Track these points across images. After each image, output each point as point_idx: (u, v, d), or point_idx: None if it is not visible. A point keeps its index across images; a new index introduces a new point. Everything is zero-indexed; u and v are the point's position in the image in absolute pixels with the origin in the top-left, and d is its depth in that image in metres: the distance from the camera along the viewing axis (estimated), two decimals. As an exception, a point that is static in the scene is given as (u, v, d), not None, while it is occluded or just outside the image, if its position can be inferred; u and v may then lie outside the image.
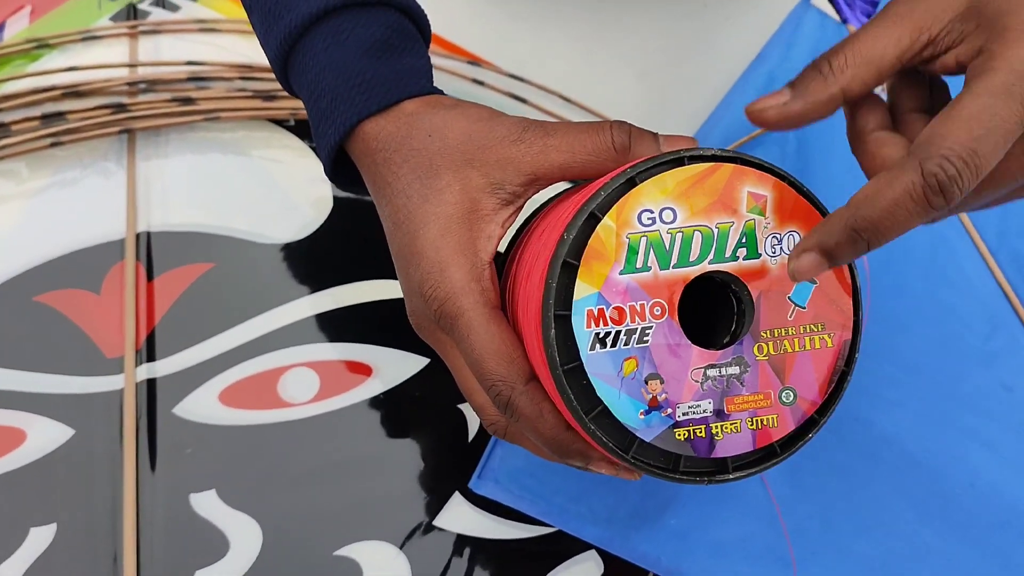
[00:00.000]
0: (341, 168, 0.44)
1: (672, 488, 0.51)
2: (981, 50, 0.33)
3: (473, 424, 0.54)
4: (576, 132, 0.38)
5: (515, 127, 0.39)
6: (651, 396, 0.33)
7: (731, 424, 0.34)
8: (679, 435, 0.34)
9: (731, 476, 0.34)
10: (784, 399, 0.35)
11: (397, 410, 0.54)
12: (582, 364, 0.33)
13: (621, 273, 0.33)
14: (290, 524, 0.50)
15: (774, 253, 0.34)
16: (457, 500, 0.51)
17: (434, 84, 0.43)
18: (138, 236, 0.59)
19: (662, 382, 0.33)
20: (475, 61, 0.69)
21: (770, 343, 0.35)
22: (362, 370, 0.55)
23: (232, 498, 0.51)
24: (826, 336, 0.35)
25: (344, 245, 0.60)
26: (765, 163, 0.35)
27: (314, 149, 0.59)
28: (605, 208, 0.34)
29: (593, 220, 0.34)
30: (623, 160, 0.38)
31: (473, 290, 0.37)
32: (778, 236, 0.34)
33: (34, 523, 0.49)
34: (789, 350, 0.35)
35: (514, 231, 0.43)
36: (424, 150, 0.39)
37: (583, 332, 0.33)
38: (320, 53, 0.41)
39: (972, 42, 0.34)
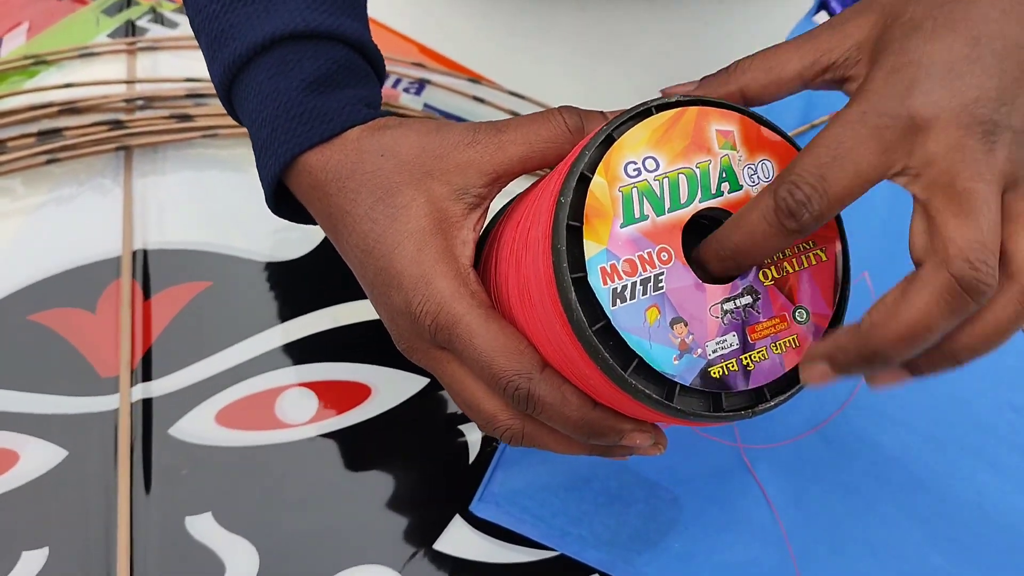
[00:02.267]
0: (284, 199, 0.43)
1: (675, 510, 0.50)
2: (863, 78, 0.34)
3: (474, 446, 0.53)
4: (528, 123, 0.39)
5: (466, 131, 0.39)
6: (679, 340, 0.34)
7: (758, 353, 0.35)
8: (714, 373, 0.34)
9: (771, 403, 0.35)
10: (798, 318, 0.36)
11: (396, 431, 0.53)
12: (609, 322, 0.33)
13: (622, 226, 0.34)
14: (287, 548, 0.49)
15: (753, 183, 0.36)
16: (458, 523, 0.50)
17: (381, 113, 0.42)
18: (134, 254, 0.58)
19: (686, 324, 0.34)
20: (475, 78, 0.68)
21: (772, 267, 0.36)
22: (361, 390, 0.54)
23: (228, 521, 0.50)
24: (819, 252, 0.37)
25: (343, 263, 0.59)
26: (723, 101, 0.37)
27: None
28: (592, 166, 0.34)
29: (584, 180, 0.34)
30: (579, 141, 0.38)
31: (463, 295, 0.37)
32: (752, 166, 0.36)
33: (26, 547, 0.48)
34: (791, 270, 0.36)
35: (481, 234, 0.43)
36: (378, 171, 0.39)
37: (602, 290, 0.33)
38: (264, 83, 0.40)
39: (859, 72, 0.35)
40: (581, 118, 0.39)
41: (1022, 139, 0.32)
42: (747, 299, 0.35)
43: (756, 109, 0.38)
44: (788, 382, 0.36)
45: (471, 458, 0.53)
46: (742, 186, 0.36)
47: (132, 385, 0.53)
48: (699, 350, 0.34)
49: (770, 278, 0.36)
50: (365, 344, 0.56)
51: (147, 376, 0.54)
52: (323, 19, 0.40)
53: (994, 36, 0.32)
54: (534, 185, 0.40)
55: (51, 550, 0.48)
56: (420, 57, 0.69)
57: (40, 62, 0.66)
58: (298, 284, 0.58)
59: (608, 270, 0.34)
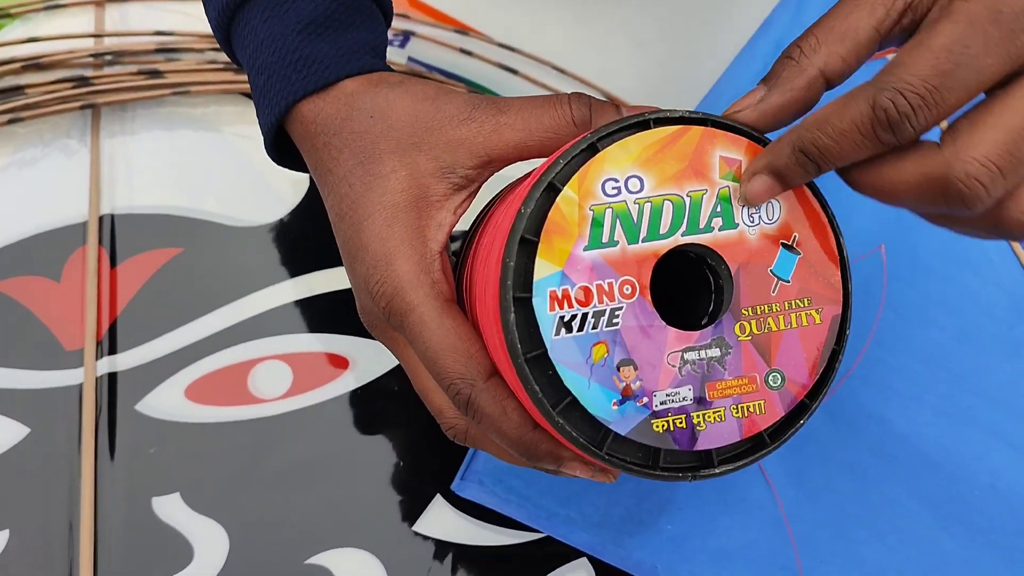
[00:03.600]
0: (283, 147, 0.41)
1: (669, 491, 0.48)
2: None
3: (456, 421, 0.50)
4: (531, 108, 0.35)
5: (464, 105, 0.36)
6: (624, 384, 0.30)
7: (714, 412, 0.31)
8: (657, 427, 0.31)
9: (716, 471, 0.32)
10: (771, 383, 0.32)
11: (375, 406, 0.50)
12: (547, 351, 0.30)
13: (585, 249, 0.30)
14: (259, 530, 0.47)
15: (752, 222, 0.32)
16: (439, 503, 0.48)
17: (386, 62, 0.39)
18: (101, 219, 0.55)
19: (636, 368, 0.31)
20: (463, 30, 0.65)
21: (752, 321, 0.32)
22: (338, 362, 0.51)
23: (197, 502, 0.47)
24: (813, 312, 0.32)
25: (321, 228, 0.55)
26: (737, 124, 0.32)
27: None
28: (565, 178, 0.31)
29: (552, 191, 0.31)
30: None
31: (423, 283, 0.34)
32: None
33: (-15, 530, 0.46)
34: (774, 328, 0.32)
35: (474, 219, 0.40)
36: (366, 133, 0.36)
37: (546, 316, 0.30)
38: (259, 26, 0.38)
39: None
40: (591, 110, 0.35)
41: None
42: (715, 351, 0.31)
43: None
44: (742, 452, 0.32)
45: (454, 435, 0.50)
46: (737, 224, 0.31)
47: (98, 358, 0.51)
48: (644, 399, 0.31)
49: (748, 332, 0.32)
50: (344, 313, 0.53)
51: (113, 349, 0.51)
52: None
53: None
54: (530, 173, 0.36)
55: (11, 533, 0.46)
56: (405, 7, 0.66)
57: (4, 15, 0.63)
58: (273, 250, 0.55)
59: (559, 295, 0.30)
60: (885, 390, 0.51)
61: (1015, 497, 0.48)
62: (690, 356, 0.31)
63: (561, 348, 0.30)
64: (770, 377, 0.32)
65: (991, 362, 0.51)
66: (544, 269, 0.30)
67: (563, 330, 0.30)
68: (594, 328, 0.30)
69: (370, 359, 0.51)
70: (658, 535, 0.47)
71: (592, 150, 0.31)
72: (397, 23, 0.64)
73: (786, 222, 0.32)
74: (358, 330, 0.52)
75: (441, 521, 0.48)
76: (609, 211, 0.31)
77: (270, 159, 0.41)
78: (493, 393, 0.34)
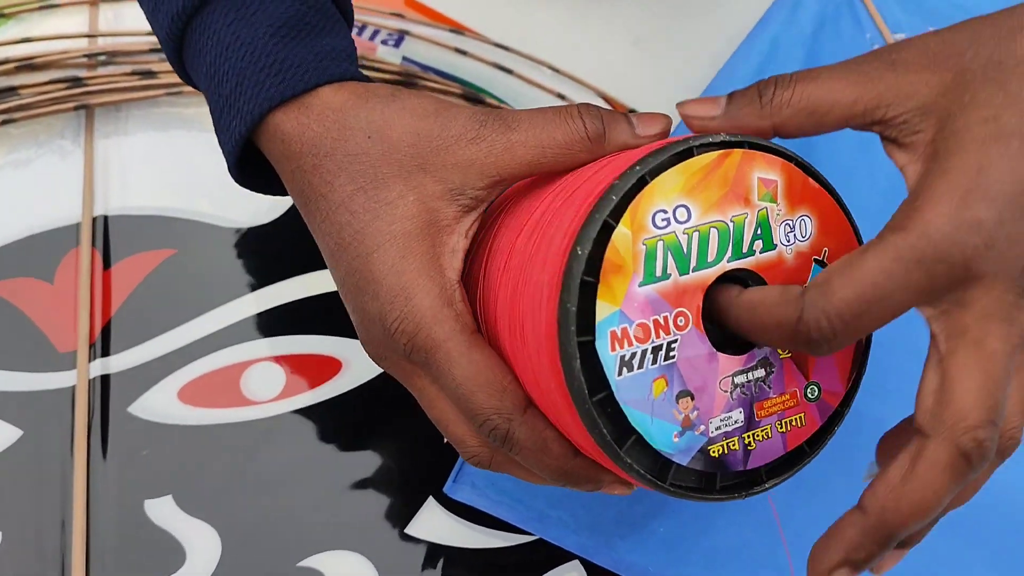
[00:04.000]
0: (249, 166, 0.38)
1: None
2: (915, 183, 0.29)
3: (449, 423, 0.50)
4: (542, 123, 0.34)
5: (471, 122, 0.34)
6: (684, 415, 0.31)
7: (761, 431, 0.32)
8: (713, 452, 0.31)
9: (767, 485, 0.33)
10: (809, 395, 0.33)
11: (368, 408, 0.50)
12: (612, 392, 0.30)
13: (641, 285, 0.30)
14: (251, 533, 0.47)
15: (788, 242, 0.32)
16: (431, 506, 0.48)
17: (360, 71, 0.38)
18: (95, 220, 0.55)
19: (693, 398, 0.31)
20: (458, 29, 0.64)
21: None
22: (331, 365, 0.51)
23: (190, 504, 0.47)
24: None
25: (315, 229, 0.56)
26: (773, 144, 0.32)
27: None
28: (619, 214, 0.30)
29: (607, 229, 0.30)
30: (598, 150, 0.34)
31: (447, 316, 0.33)
32: (791, 223, 0.32)
33: (-23, 532, 0.46)
34: None
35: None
36: (364, 155, 0.34)
37: (609, 357, 0.30)
38: (222, 30, 0.35)
39: (916, 154, 0.30)
40: (603, 122, 0.34)
41: None
42: (760, 372, 0.32)
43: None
44: (786, 464, 0.33)
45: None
46: (776, 245, 0.32)
47: (90, 360, 0.51)
48: (702, 427, 0.31)
49: (788, 350, 0.33)
50: (337, 315, 0.52)
51: (106, 351, 0.51)
52: None
53: None
54: (539, 185, 0.36)
55: (3, 535, 0.46)
56: (401, 6, 0.66)
57: (-2, 15, 0.63)
58: (266, 252, 0.55)
59: (619, 334, 0.30)
60: (882, 390, 0.51)
61: (1005, 496, 0.48)
62: (740, 379, 0.32)
63: (625, 387, 0.30)
64: (808, 390, 0.33)
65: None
66: (605, 310, 0.30)
67: (625, 369, 0.30)
68: (653, 364, 0.30)
69: (363, 361, 0.51)
70: (650, 537, 0.47)
71: (642, 182, 0.30)
72: (392, 23, 0.64)
73: (817, 238, 0.32)
74: (351, 332, 0.52)
75: (433, 523, 0.47)
76: (660, 244, 0.30)
77: (232, 178, 0.38)
78: (532, 425, 0.33)
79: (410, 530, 0.47)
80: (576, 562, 0.47)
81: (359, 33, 0.64)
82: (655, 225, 0.30)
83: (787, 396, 0.32)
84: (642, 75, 0.64)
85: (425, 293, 0.33)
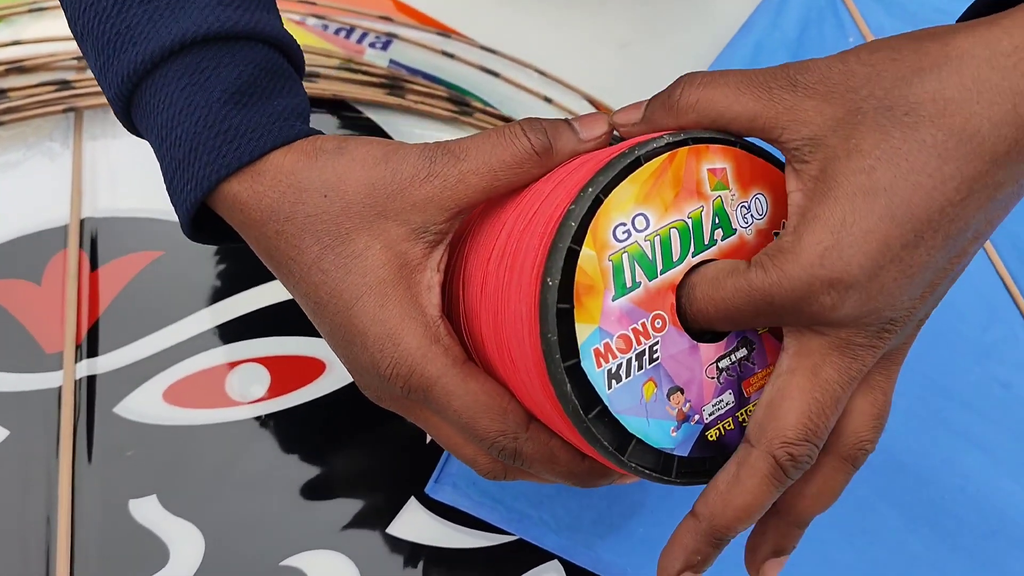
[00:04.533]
0: (203, 224, 0.38)
1: (640, 493, 0.48)
2: (798, 213, 0.30)
3: (431, 424, 0.51)
4: (489, 148, 0.34)
5: (421, 161, 0.34)
6: (677, 410, 0.32)
7: (753, 406, 0.33)
8: (711, 436, 0.33)
9: None
10: None
11: (351, 409, 0.51)
12: (606, 406, 0.31)
13: (614, 299, 0.31)
14: (235, 532, 0.47)
15: (747, 223, 0.33)
16: (413, 506, 0.48)
17: (310, 124, 0.38)
18: (82, 222, 0.56)
19: (683, 392, 0.32)
20: (445, 32, 0.65)
21: None
22: (315, 366, 0.52)
23: (174, 504, 0.48)
24: None
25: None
26: (716, 134, 0.33)
27: None
28: (580, 238, 0.31)
29: (572, 255, 0.31)
30: (548, 162, 0.35)
31: (436, 353, 0.34)
32: (746, 204, 0.33)
33: (-37, 531, 0.47)
34: None
35: None
36: (323, 214, 0.34)
37: (596, 374, 0.31)
38: (175, 94, 0.35)
39: (801, 184, 0.30)
40: (548, 134, 0.34)
41: (911, 325, 0.31)
42: (742, 351, 0.33)
43: None
44: None
45: (428, 438, 0.50)
46: (735, 230, 0.33)
47: (77, 361, 0.51)
48: (696, 416, 0.32)
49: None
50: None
51: (92, 351, 0.51)
52: (238, 16, 0.35)
53: (943, 224, 0.29)
54: (500, 204, 0.36)
55: (-11, 535, 0.47)
56: (390, 9, 0.66)
57: (-12, 18, 0.63)
58: (252, 255, 0.55)
59: (602, 350, 0.31)
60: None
61: (984, 500, 0.48)
62: (724, 363, 0.33)
63: (617, 398, 0.31)
64: None
65: (963, 365, 0.52)
66: (584, 331, 0.31)
67: (613, 381, 0.31)
68: (639, 369, 0.31)
69: (346, 362, 0.52)
70: (629, 538, 0.47)
71: (597, 202, 0.31)
72: (380, 26, 0.65)
73: (774, 212, 0.33)
74: (335, 333, 0.52)
75: (415, 523, 0.48)
76: (625, 256, 0.31)
77: (186, 236, 0.38)
78: (536, 440, 0.34)
79: (392, 530, 0.48)
80: (556, 562, 0.47)
81: (347, 35, 0.64)
82: (617, 239, 0.31)
83: (772, 367, 0.33)
84: (628, 78, 0.65)
85: (411, 335, 0.34)
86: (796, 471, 0.31)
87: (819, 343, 0.30)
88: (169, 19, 0.35)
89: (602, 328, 0.31)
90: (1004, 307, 0.54)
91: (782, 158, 0.32)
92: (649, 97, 0.35)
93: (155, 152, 0.37)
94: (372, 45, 0.64)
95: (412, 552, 0.47)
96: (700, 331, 0.33)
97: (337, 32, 0.64)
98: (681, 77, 0.33)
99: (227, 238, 0.39)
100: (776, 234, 0.33)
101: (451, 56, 0.64)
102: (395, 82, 0.62)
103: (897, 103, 0.29)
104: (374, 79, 0.62)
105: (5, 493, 0.47)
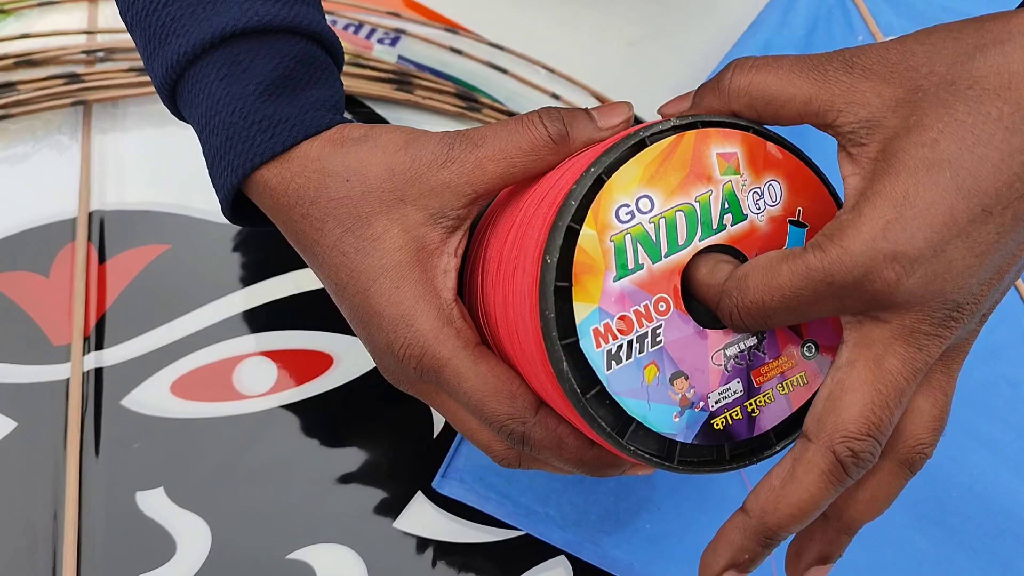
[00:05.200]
0: (242, 207, 0.40)
1: (647, 490, 0.48)
2: (856, 194, 0.29)
3: (439, 419, 0.50)
4: (507, 135, 0.35)
5: (440, 147, 0.35)
6: (680, 395, 0.31)
7: (763, 396, 0.33)
8: (717, 425, 0.32)
9: (777, 447, 0.33)
10: (807, 353, 0.33)
11: (358, 403, 0.51)
12: (604, 387, 0.31)
13: (615, 280, 0.31)
14: (241, 525, 0.47)
15: (759, 209, 0.32)
16: (419, 500, 0.48)
17: (344, 114, 0.39)
18: (91, 215, 0.56)
19: (687, 378, 0.32)
20: (453, 28, 0.65)
21: None
22: (322, 360, 0.52)
23: (181, 497, 0.48)
24: None
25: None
26: (726, 118, 0.32)
27: None
28: (580, 217, 0.31)
29: (572, 233, 0.31)
30: (564, 150, 0.35)
31: (449, 336, 0.34)
32: (759, 190, 0.32)
33: (-29, 522, 0.47)
34: None
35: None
36: (345, 198, 0.35)
37: (595, 354, 0.31)
38: (214, 84, 0.36)
39: (858, 168, 0.30)
40: (564, 123, 0.35)
41: (976, 316, 0.29)
42: (752, 340, 0.32)
43: None
44: (795, 423, 0.33)
45: (435, 432, 0.50)
46: (746, 215, 0.32)
47: (85, 353, 0.51)
48: (701, 403, 0.32)
49: None
50: (328, 311, 0.53)
51: (100, 344, 0.51)
52: (276, 11, 0.37)
53: (1012, 200, 0.27)
54: (520, 192, 0.37)
55: (-4, 526, 0.47)
56: (399, 6, 0.66)
57: (-2, 11, 0.63)
58: (260, 248, 0.55)
59: (601, 330, 0.31)
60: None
61: (991, 499, 0.48)
62: (732, 351, 0.32)
63: (616, 380, 0.31)
64: (805, 348, 0.33)
65: (970, 364, 0.51)
66: (583, 310, 0.30)
67: (613, 362, 0.31)
68: (640, 352, 0.31)
69: (353, 357, 0.52)
70: (635, 534, 0.47)
71: (599, 182, 0.31)
72: (389, 22, 0.65)
73: (789, 199, 0.33)
74: (342, 328, 0.52)
75: (422, 518, 0.48)
76: (628, 237, 0.31)
77: (226, 219, 0.40)
78: (545, 424, 0.34)
79: (399, 524, 0.48)
80: (563, 557, 0.47)
81: (356, 31, 0.64)
82: (619, 220, 0.31)
83: (783, 358, 0.33)
84: (636, 76, 0.65)
85: (424, 317, 0.34)
86: (857, 470, 0.29)
87: (881, 332, 0.29)
88: (210, 13, 0.36)
89: (602, 308, 0.31)
90: (1012, 307, 0.54)
91: (830, 147, 0.31)
92: (659, 93, 0.35)
93: (198, 138, 0.39)
94: (381, 41, 0.64)
95: (419, 546, 0.47)
96: (710, 317, 0.32)
97: (346, 28, 0.64)
98: (731, 62, 0.33)
99: (263, 221, 0.40)
100: (791, 221, 0.33)
101: (459, 52, 0.64)
102: (403, 78, 0.62)
103: (960, 77, 0.28)
104: (383, 75, 0.62)
105: (13, 485, 0.47)
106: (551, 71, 0.64)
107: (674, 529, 0.47)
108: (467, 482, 0.48)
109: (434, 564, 0.47)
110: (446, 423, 0.50)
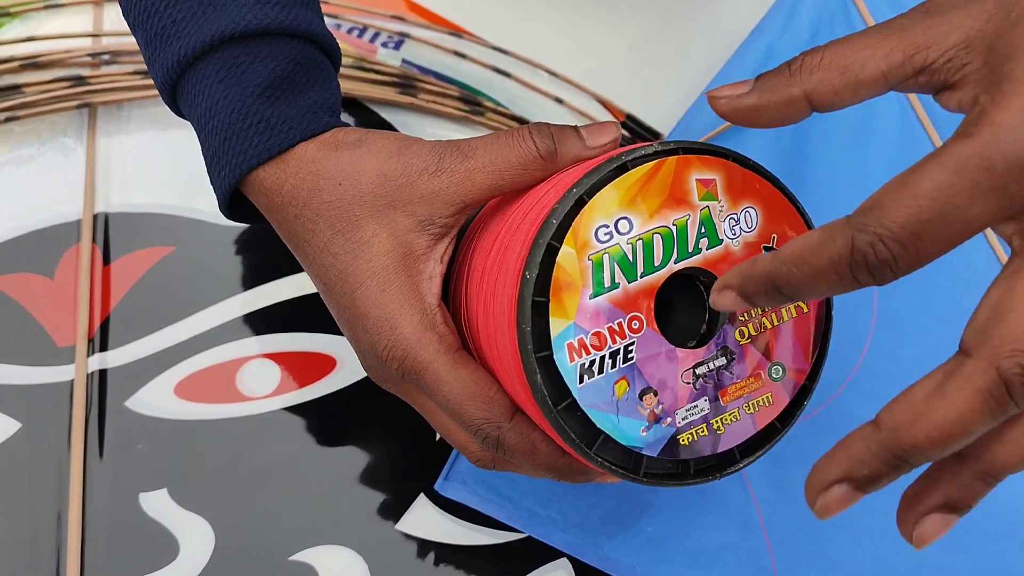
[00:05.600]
0: (237, 205, 0.41)
1: (649, 493, 0.48)
2: (975, 100, 0.27)
3: (440, 421, 0.51)
4: (497, 148, 0.36)
5: (431, 156, 0.36)
6: (648, 411, 0.32)
7: (729, 415, 0.34)
8: (683, 440, 0.33)
9: (741, 464, 0.34)
10: (774, 375, 0.34)
11: (361, 406, 0.51)
12: (575, 400, 0.32)
13: (591, 297, 0.32)
14: (244, 526, 0.47)
15: (735, 235, 0.34)
16: (422, 503, 0.48)
17: (340, 117, 0.40)
18: (95, 217, 0.56)
19: (656, 394, 0.33)
20: (457, 32, 0.65)
21: (750, 324, 0.34)
22: (325, 362, 0.52)
23: (184, 498, 0.48)
24: (801, 302, 0.35)
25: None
26: (707, 145, 0.33)
27: None
28: (561, 236, 0.32)
29: (552, 251, 0.32)
30: (552, 166, 0.36)
31: (430, 340, 0.35)
32: (735, 216, 0.34)
33: (-25, 523, 0.47)
34: (769, 326, 0.34)
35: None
36: (337, 201, 0.36)
37: (568, 368, 0.32)
38: (213, 86, 0.38)
39: (971, 84, 0.27)
40: (553, 140, 0.36)
41: None
42: (721, 360, 0.34)
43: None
44: (758, 442, 0.34)
45: (438, 435, 0.50)
46: (722, 240, 0.33)
47: (89, 355, 0.51)
48: (668, 419, 0.33)
49: (747, 336, 0.34)
50: (330, 315, 0.53)
51: (104, 346, 0.52)
52: (275, 14, 0.37)
53: None
54: (506, 204, 0.38)
55: (0, 526, 0.47)
56: (402, 9, 0.66)
57: (4, 14, 0.63)
58: (263, 250, 0.55)
59: (575, 345, 0.32)
60: (869, 396, 0.51)
61: (992, 502, 0.48)
62: (701, 370, 0.33)
63: (587, 394, 0.32)
64: (772, 370, 0.34)
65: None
66: (559, 325, 0.32)
67: (585, 376, 0.32)
68: (612, 367, 0.32)
69: (356, 360, 0.51)
70: (637, 536, 0.47)
71: (580, 203, 0.32)
72: (393, 25, 0.65)
73: (764, 226, 0.34)
74: (346, 330, 0.53)
75: (424, 520, 0.48)
76: (606, 256, 0.32)
77: (223, 215, 0.41)
78: (519, 430, 0.35)
79: (401, 526, 0.48)
80: (564, 560, 0.47)
81: (360, 35, 0.64)
82: (598, 240, 0.32)
83: (751, 379, 0.34)
84: (638, 80, 0.65)
85: (408, 320, 0.36)
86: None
87: None
88: (210, 16, 0.37)
89: (577, 324, 0.32)
90: None
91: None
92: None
93: (198, 137, 0.40)
94: (384, 45, 0.64)
95: (421, 548, 0.47)
96: (681, 336, 0.33)
97: (350, 31, 0.64)
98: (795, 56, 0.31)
99: (260, 218, 0.41)
100: (765, 247, 0.33)
101: (463, 56, 0.64)
102: (407, 81, 0.62)
103: None
104: (386, 78, 0.62)
105: (17, 485, 0.48)
106: (554, 75, 0.64)
107: (675, 532, 0.47)
108: (469, 485, 0.48)
109: (436, 566, 0.47)
110: (448, 425, 0.50)
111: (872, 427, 0.27)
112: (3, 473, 0.48)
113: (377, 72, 0.62)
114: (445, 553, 0.47)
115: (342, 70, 0.62)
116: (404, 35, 0.65)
